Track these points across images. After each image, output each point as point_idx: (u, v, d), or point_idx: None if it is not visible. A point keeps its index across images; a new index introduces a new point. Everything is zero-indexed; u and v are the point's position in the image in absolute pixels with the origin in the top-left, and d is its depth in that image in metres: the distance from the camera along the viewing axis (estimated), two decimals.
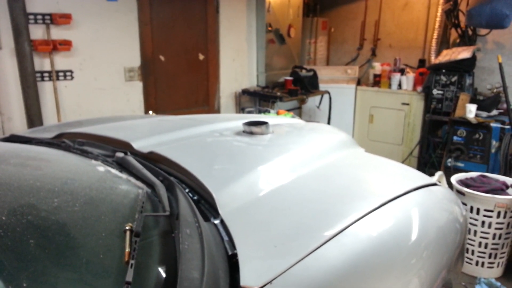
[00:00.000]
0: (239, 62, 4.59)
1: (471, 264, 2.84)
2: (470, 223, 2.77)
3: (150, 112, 3.97)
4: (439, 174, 3.45)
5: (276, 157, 1.47)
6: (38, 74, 3.25)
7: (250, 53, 4.68)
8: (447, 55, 4.11)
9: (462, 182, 2.89)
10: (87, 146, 1.66)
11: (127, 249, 0.84)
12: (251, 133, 1.70)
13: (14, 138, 1.79)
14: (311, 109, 5.15)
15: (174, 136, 1.67)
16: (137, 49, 3.79)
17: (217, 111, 4.41)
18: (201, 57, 4.23)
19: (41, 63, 3.27)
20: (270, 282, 0.87)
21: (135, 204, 1.07)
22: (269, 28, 4.63)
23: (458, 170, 3.67)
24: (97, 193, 1.09)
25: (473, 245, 2.80)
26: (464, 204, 2.79)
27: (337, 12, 5.90)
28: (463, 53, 4.00)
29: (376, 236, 1.15)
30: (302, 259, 0.95)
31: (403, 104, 4.72)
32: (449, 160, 3.85)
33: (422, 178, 1.63)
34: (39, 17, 3.17)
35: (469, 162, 3.76)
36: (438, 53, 4.55)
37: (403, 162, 4.77)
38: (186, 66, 4.15)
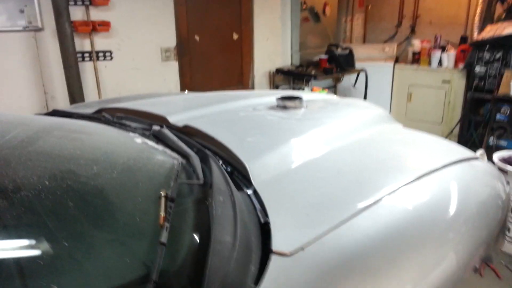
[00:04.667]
0: (273, 41, 4.55)
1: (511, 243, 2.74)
2: None
3: (186, 91, 4.03)
4: (480, 152, 3.33)
5: (310, 130, 1.46)
6: (79, 55, 3.36)
7: (284, 32, 4.62)
8: (491, 31, 3.91)
9: (505, 160, 2.78)
10: (125, 120, 1.71)
11: (162, 214, 0.87)
12: (285, 108, 1.70)
13: (56, 113, 1.86)
14: (346, 88, 5.05)
15: (208, 111, 1.69)
16: (173, 29, 3.83)
17: (251, 90, 4.41)
18: (235, 36, 4.23)
19: (82, 43, 3.37)
20: (302, 248, 0.87)
21: (170, 173, 1.10)
22: (304, 6, 4.54)
23: (500, 149, 3.52)
24: (134, 162, 1.13)
25: None
26: (507, 182, 2.69)
27: None
28: (509, 29, 3.78)
29: (411, 209, 1.13)
30: (334, 228, 0.95)
31: (444, 82, 4.54)
32: (491, 138, 3.69)
33: (462, 152, 1.58)
34: None
35: None
36: (481, 29, 4.32)
37: None
38: (221, 46, 4.16)
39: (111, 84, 3.59)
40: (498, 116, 3.67)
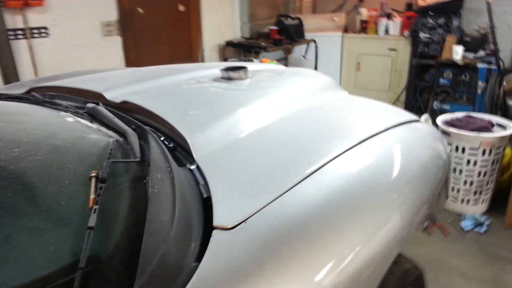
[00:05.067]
0: (221, 12, 4.42)
1: (456, 202, 2.88)
2: (456, 163, 2.78)
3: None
4: (424, 117, 3.43)
5: (254, 101, 1.42)
6: (12, 32, 3.10)
7: (233, 3, 4.49)
8: None
9: (448, 123, 2.88)
10: (58, 99, 1.59)
11: (92, 196, 0.81)
12: (230, 79, 1.64)
13: None
14: (297, 59, 5.04)
15: (149, 85, 1.61)
16: (114, 1, 3.61)
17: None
18: (181, 8, 4.06)
19: (13, 20, 3.11)
20: (244, 221, 0.84)
21: (104, 152, 1.03)
22: None
23: (444, 112, 3.65)
24: (62, 142, 1.04)
25: (458, 184, 2.83)
26: (450, 144, 2.79)
27: None
28: None
29: (355, 172, 1.13)
30: (277, 197, 0.93)
31: (390, 49, 4.63)
32: (435, 103, 3.82)
33: (404, 115, 1.60)
34: None
35: (455, 104, 3.74)
36: None
37: None
38: (167, 19, 3.99)
39: (49, 62, 3.36)
40: (441, 81, 3.79)
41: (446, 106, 3.81)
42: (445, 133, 2.76)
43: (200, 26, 4.26)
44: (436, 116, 3.04)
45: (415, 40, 4.26)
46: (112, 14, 3.63)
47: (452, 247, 2.53)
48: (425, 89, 4.26)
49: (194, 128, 1.21)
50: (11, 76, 3.04)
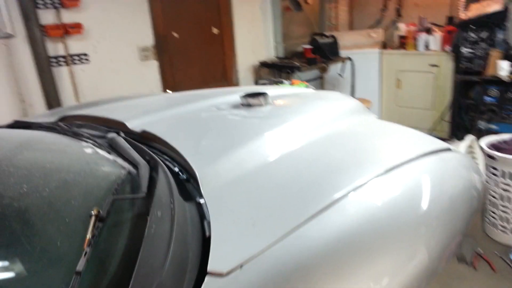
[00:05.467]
0: (255, 33, 4.45)
1: (506, 233, 2.66)
2: (504, 190, 2.58)
3: (168, 91, 3.94)
4: (470, 138, 3.25)
5: (271, 130, 1.38)
6: (54, 59, 3.27)
7: (266, 23, 4.52)
8: (476, 10, 3.81)
9: (494, 146, 2.70)
10: (84, 128, 1.64)
11: (88, 236, 0.80)
12: (249, 106, 1.62)
13: (17, 124, 1.79)
14: (334, 77, 4.96)
15: (170, 113, 1.62)
16: (149, 27, 3.73)
17: (236, 85, 4.33)
18: (215, 30, 4.13)
19: (55, 48, 3.28)
20: (240, 266, 0.80)
21: (112, 187, 1.03)
22: None
23: (491, 132, 3.44)
24: (73, 176, 1.05)
25: (507, 213, 2.62)
26: (495, 168, 2.61)
27: None
28: (493, 5, 3.68)
29: (375, 206, 1.07)
30: (280, 238, 0.88)
31: (431, 65, 4.44)
32: (482, 122, 3.61)
33: (435, 143, 1.50)
34: (48, 1, 3.16)
35: (503, 124, 3.51)
36: (466, 8, 4.22)
37: (434, 127, 4.54)
38: (201, 42, 4.07)
39: (89, 87, 3.50)
40: (486, 98, 3.58)
41: (494, 126, 3.59)
42: (490, 157, 2.58)
43: (234, 47, 4.30)
44: (483, 136, 2.86)
45: (457, 56, 4.07)
46: (148, 39, 3.75)
47: (501, 284, 2.31)
48: (470, 107, 4.04)
49: (205, 161, 1.19)
50: (53, 101, 3.19)
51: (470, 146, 3.31)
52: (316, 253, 0.87)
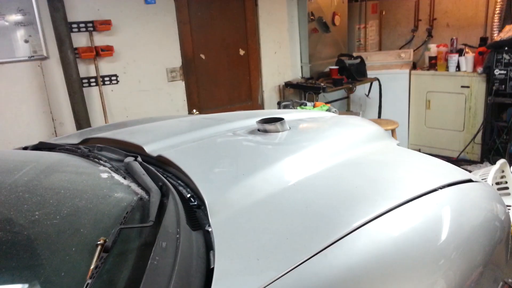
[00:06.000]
0: (281, 54, 4.48)
1: None
2: None
3: (194, 111, 4.01)
4: (501, 162, 3.13)
5: (285, 157, 1.37)
6: (85, 80, 3.40)
7: (293, 44, 4.55)
8: (510, 31, 3.70)
9: None
10: (104, 151, 1.68)
11: (92, 266, 0.81)
12: (265, 131, 1.62)
13: (42, 145, 1.86)
14: (361, 98, 4.91)
15: (186, 138, 1.64)
16: (178, 49, 3.83)
17: (260, 105, 4.35)
18: (241, 52, 4.19)
19: (87, 69, 3.42)
20: None
21: (122, 214, 1.04)
22: (312, 17, 4.46)
23: None
24: (85, 203, 1.07)
25: None
26: None
27: None
28: None
29: (387, 241, 1.03)
30: (283, 275, 0.86)
31: (463, 87, 4.33)
32: None
33: (456, 173, 1.45)
34: (82, 25, 3.30)
35: None
36: (501, 29, 4.11)
37: (465, 149, 4.40)
38: (227, 63, 4.13)
39: (118, 107, 3.61)
40: None
41: None
42: None
43: (260, 68, 4.34)
44: None
45: (489, 77, 3.95)
46: (177, 61, 3.84)
47: None
48: (503, 129, 3.90)
49: (216, 188, 1.19)
50: (82, 120, 3.30)
51: (502, 171, 3.17)
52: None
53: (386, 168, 1.44)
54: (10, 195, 1.03)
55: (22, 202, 1.00)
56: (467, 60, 4.27)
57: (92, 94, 3.46)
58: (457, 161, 4.39)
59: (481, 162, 4.31)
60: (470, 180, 1.39)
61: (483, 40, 4.48)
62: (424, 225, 1.15)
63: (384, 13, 5.63)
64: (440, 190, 1.29)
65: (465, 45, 4.57)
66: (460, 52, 4.40)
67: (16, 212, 0.95)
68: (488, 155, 4.13)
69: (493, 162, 3.46)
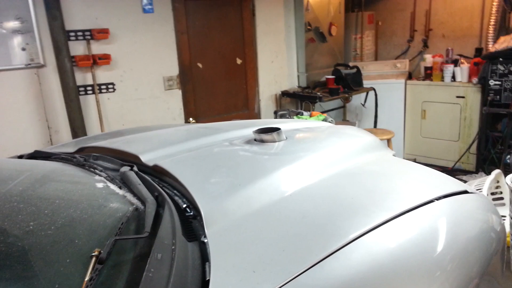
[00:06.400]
0: (278, 63, 4.50)
1: None
2: None
3: (191, 119, 4.01)
4: (496, 172, 3.14)
5: (282, 167, 1.37)
6: (82, 88, 3.40)
7: (290, 54, 4.57)
8: (505, 42, 3.74)
9: None
10: (100, 160, 1.67)
11: (86, 278, 0.80)
12: (262, 141, 1.62)
13: (37, 154, 1.85)
14: (357, 107, 4.93)
15: (183, 147, 1.63)
16: (175, 58, 3.84)
17: (257, 114, 4.36)
18: (238, 61, 4.20)
19: (84, 77, 3.41)
20: None
21: (114, 227, 1.03)
22: (309, 27, 4.49)
23: None
24: (80, 214, 1.07)
25: None
26: None
27: (383, 4, 5.61)
28: None
29: (382, 253, 1.03)
30: (280, 286, 0.86)
31: (458, 97, 4.36)
32: (509, 156, 3.48)
33: (452, 184, 1.45)
34: (80, 33, 3.31)
35: None
36: (496, 40, 4.16)
37: (460, 159, 4.42)
38: (224, 72, 4.15)
39: (114, 115, 3.61)
40: None
41: None
42: None
43: (257, 77, 4.36)
44: (510, 170, 2.76)
45: (484, 88, 3.99)
46: (173, 69, 3.85)
47: None
48: (498, 139, 3.92)
49: (212, 198, 1.19)
50: (78, 128, 3.29)
51: (497, 181, 3.19)
52: None
53: (382, 178, 1.44)
54: (4, 205, 1.03)
55: (17, 212, 1.00)
56: (462, 71, 4.31)
57: (88, 102, 3.46)
58: (452, 171, 4.41)
59: (476, 172, 4.33)
60: (465, 192, 1.39)
61: (478, 51, 4.52)
62: (420, 237, 1.15)
63: (380, 23, 5.69)
64: (436, 202, 1.29)
65: (460, 55, 4.61)
66: (455, 63, 4.44)
67: (10, 223, 0.94)
68: (483, 165, 4.15)
69: (488, 172, 3.47)
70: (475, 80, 4.16)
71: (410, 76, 4.99)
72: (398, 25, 5.55)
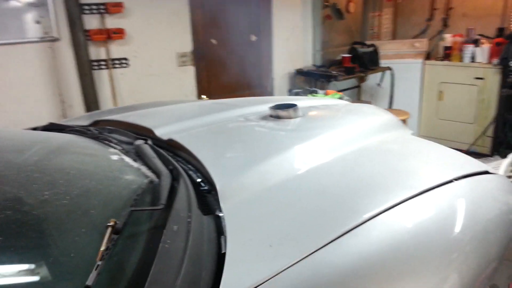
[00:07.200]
0: (293, 41, 4.42)
1: None
2: None
3: (203, 96, 3.98)
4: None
5: (298, 143, 1.34)
6: (95, 63, 3.38)
7: (306, 31, 4.48)
8: None
9: None
10: (114, 133, 1.66)
11: (102, 248, 0.79)
12: (278, 117, 1.59)
13: (52, 126, 1.85)
14: (372, 87, 4.84)
15: (198, 122, 1.61)
16: (189, 34, 3.79)
17: (270, 93, 4.31)
18: (253, 38, 4.13)
19: (98, 52, 3.39)
20: None
21: (133, 196, 1.03)
22: (326, 3, 4.38)
23: None
24: (95, 184, 1.06)
25: None
26: None
27: None
28: None
29: (404, 230, 1.01)
30: (296, 262, 0.84)
31: (477, 78, 4.25)
32: None
33: (472, 164, 1.42)
34: (94, 7, 3.27)
35: None
36: None
37: (475, 142, 4.34)
38: (238, 49, 4.08)
39: (127, 91, 3.59)
40: None
41: None
42: None
43: (271, 54, 4.29)
44: None
45: (504, 69, 3.87)
46: (187, 46, 3.80)
47: None
48: None
49: (227, 173, 1.17)
50: (92, 103, 3.29)
51: None
52: (334, 280, 0.82)
53: (401, 157, 1.41)
54: (20, 174, 1.02)
55: (32, 181, 0.99)
56: (483, 51, 4.18)
57: (102, 77, 3.44)
58: (467, 154, 4.33)
59: (491, 155, 4.25)
60: (486, 172, 1.35)
61: (500, 31, 4.37)
62: (440, 216, 1.12)
63: (399, 1, 5.52)
64: (456, 181, 1.26)
65: (481, 35, 4.47)
66: (476, 43, 4.30)
67: (25, 192, 0.94)
68: (499, 148, 4.07)
69: (504, 156, 3.40)
70: (495, 61, 4.03)
71: (428, 56, 4.87)
72: (418, 3, 5.39)
